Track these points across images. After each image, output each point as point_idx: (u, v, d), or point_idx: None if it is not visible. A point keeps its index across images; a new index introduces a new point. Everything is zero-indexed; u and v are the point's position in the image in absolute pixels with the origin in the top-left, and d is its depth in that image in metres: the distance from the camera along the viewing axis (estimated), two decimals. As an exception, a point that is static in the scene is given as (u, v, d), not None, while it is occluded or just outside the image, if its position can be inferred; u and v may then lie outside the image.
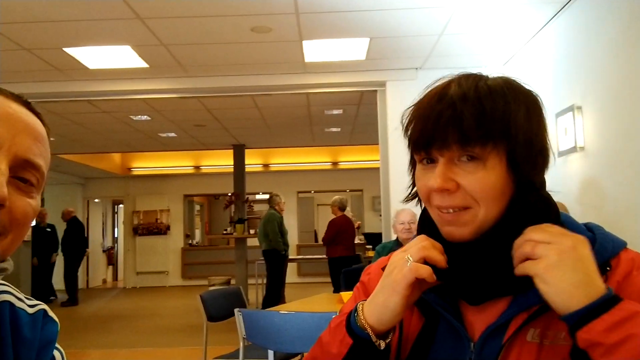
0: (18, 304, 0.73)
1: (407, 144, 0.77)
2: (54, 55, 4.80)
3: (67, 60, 4.94)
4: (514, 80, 0.76)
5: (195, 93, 5.84)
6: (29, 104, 0.69)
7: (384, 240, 5.23)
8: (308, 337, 2.00)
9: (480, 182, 0.70)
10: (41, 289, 9.73)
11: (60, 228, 9.96)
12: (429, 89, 0.77)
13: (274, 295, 7.16)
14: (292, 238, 11.69)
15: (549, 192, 0.77)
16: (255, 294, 8.16)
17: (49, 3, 3.78)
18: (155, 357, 5.55)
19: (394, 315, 0.71)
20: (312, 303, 3.30)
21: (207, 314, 2.92)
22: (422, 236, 0.75)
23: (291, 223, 11.68)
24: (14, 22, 4.06)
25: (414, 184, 0.80)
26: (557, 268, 0.63)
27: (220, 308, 2.93)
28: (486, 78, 0.75)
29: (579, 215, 3.25)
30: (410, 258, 0.70)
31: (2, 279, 0.74)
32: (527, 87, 0.76)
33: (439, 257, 0.71)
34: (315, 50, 4.94)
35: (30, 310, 0.75)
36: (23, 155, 0.63)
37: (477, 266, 0.71)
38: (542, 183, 0.76)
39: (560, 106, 3.74)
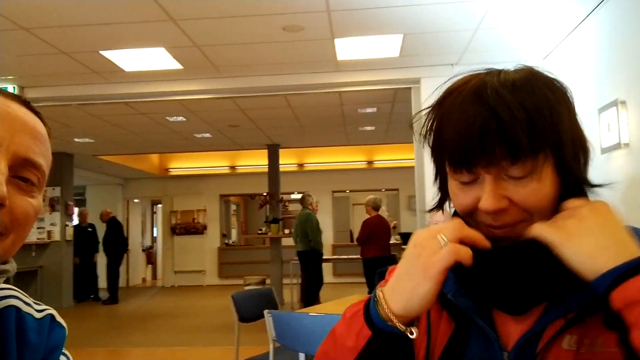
0: (25, 308, 0.73)
1: (435, 152, 0.72)
2: (91, 58, 4.91)
3: (104, 63, 5.05)
4: (545, 75, 0.70)
5: (228, 93, 5.88)
6: (28, 103, 0.68)
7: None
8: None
9: (535, 195, 0.65)
10: (83, 288, 10.05)
11: (101, 228, 10.23)
12: (453, 90, 0.71)
13: (314, 295, 7.16)
14: (328, 238, 11.67)
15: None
16: (290, 293, 8.17)
17: (86, 7, 3.86)
18: (191, 356, 5.61)
19: (424, 303, 0.63)
20: (344, 304, 3.24)
21: (239, 315, 2.92)
22: (455, 218, 0.70)
23: (326, 222, 11.66)
24: (53, 27, 4.17)
25: (443, 194, 0.76)
26: (577, 234, 0.61)
27: (251, 309, 2.92)
28: (517, 76, 0.69)
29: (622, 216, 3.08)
30: (445, 238, 0.63)
31: (6, 283, 0.73)
32: (555, 78, 0.71)
33: (478, 236, 0.65)
34: (347, 48, 4.89)
35: (38, 315, 0.74)
36: (23, 154, 0.63)
37: (519, 273, 0.67)
38: (586, 180, 0.72)
39: (603, 101, 3.58)
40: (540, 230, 0.64)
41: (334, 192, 12.69)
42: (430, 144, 0.72)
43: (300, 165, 12.13)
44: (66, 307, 9.11)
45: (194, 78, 5.65)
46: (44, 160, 0.67)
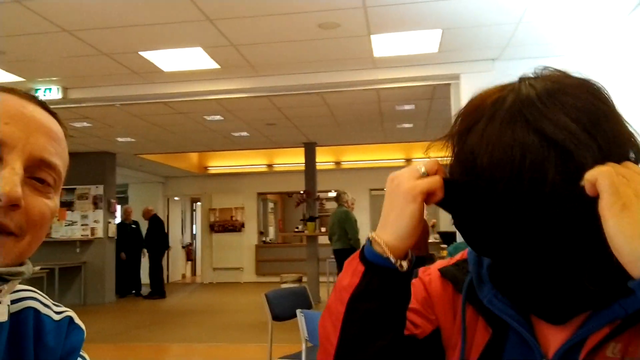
0: (43, 310, 0.72)
1: (466, 174, 0.66)
2: (131, 59, 5.00)
3: (143, 64, 5.14)
4: (596, 86, 0.63)
5: (265, 92, 5.90)
6: (44, 103, 0.68)
7: (458, 239, 5.03)
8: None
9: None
10: (126, 283, 10.32)
11: (143, 225, 10.48)
12: (482, 106, 0.66)
13: None
14: (365, 236, 11.53)
15: None
16: (326, 292, 8.15)
17: (125, 9, 3.93)
18: (226, 353, 5.66)
19: (411, 224, 0.64)
20: None
21: (272, 313, 2.90)
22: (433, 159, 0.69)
23: (363, 221, 11.57)
24: (94, 28, 4.26)
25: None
26: (635, 208, 0.52)
27: (285, 307, 2.90)
28: (567, 90, 0.62)
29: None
30: (423, 168, 0.66)
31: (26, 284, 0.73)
32: (591, 80, 0.65)
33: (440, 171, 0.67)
34: (384, 45, 4.82)
35: (56, 317, 0.73)
36: (38, 154, 0.62)
37: (560, 279, 0.62)
38: None
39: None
40: (598, 174, 0.54)
41: (371, 190, 12.59)
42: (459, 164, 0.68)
43: (337, 163, 12.08)
44: (108, 302, 9.38)
45: (230, 77, 5.69)
46: (60, 161, 0.66)
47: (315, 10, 4.02)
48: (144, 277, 10.69)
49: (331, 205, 12.52)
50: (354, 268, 0.67)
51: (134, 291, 10.53)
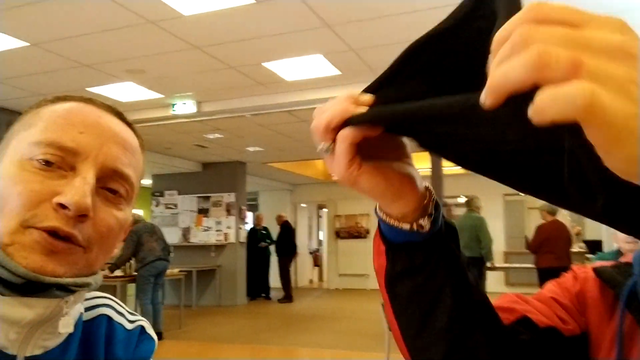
0: (116, 318, 0.72)
1: None
2: (255, 70, 5.20)
3: (267, 74, 5.31)
4: None
5: (388, 96, 5.79)
6: (121, 114, 0.67)
7: (605, 249, 4.50)
8: None
9: None
10: (256, 286, 10.80)
11: (273, 230, 10.92)
12: None
13: None
14: (499, 244, 10.95)
15: None
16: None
17: (248, 22, 4.08)
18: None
19: (344, 165, 0.48)
20: None
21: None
22: None
23: (497, 228, 10.94)
24: (221, 43, 4.49)
25: None
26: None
27: (404, 318, 2.75)
28: None
29: None
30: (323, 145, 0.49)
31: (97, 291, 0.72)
32: None
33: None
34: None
35: (129, 326, 0.72)
36: (111, 164, 0.61)
37: None
38: None
39: None
40: None
41: (505, 195, 11.85)
42: None
43: (467, 167, 11.55)
44: (240, 304, 9.86)
45: (351, 83, 5.67)
46: (133, 172, 0.65)
47: (439, 6, 3.82)
48: (272, 281, 11.10)
49: (459, 212, 12.00)
50: (377, 247, 0.58)
51: (263, 294, 10.97)
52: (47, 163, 0.57)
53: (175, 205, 10.37)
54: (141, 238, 6.46)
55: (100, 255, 0.62)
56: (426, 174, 9.43)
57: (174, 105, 6.28)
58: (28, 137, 0.59)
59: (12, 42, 4.25)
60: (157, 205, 10.53)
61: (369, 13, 3.95)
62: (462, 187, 11.49)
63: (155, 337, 0.76)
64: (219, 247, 10.01)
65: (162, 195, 10.50)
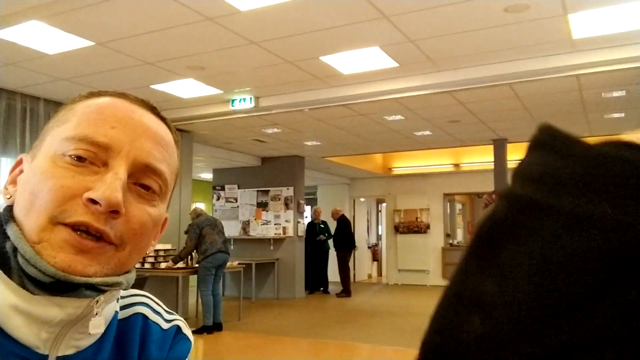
0: (152, 317, 0.70)
1: None
2: (312, 64, 5.17)
3: (324, 68, 5.27)
4: None
5: (447, 87, 5.63)
6: (155, 109, 0.66)
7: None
8: None
9: None
10: (314, 280, 10.85)
11: (331, 224, 10.92)
12: None
13: None
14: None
15: None
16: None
17: (304, 16, 4.04)
18: (408, 357, 5.50)
19: None
20: None
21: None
22: None
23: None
24: (278, 38, 4.48)
25: None
26: None
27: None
28: None
29: None
30: None
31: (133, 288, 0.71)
32: None
33: None
34: (585, 24, 4.20)
35: (165, 326, 0.71)
36: (143, 159, 0.60)
37: None
38: None
39: None
40: None
41: (573, 190, 11.27)
42: None
43: (532, 161, 11.06)
44: (298, 297, 9.94)
45: (409, 75, 5.55)
46: (167, 167, 0.63)
47: (498, -7, 3.66)
48: (331, 275, 11.11)
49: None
50: None
51: (322, 288, 11.00)
52: (79, 159, 0.57)
53: (236, 199, 10.57)
54: (203, 231, 6.62)
55: (134, 254, 0.60)
56: (489, 168, 9.12)
57: (233, 100, 6.37)
58: (61, 132, 0.59)
59: (78, 42, 4.43)
60: (218, 199, 10.78)
61: (427, 2, 3.82)
62: (528, 182, 11.04)
63: (191, 337, 0.74)
64: (278, 241, 10.12)
65: (222, 189, 10.73)
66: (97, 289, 0.55)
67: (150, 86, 5.75)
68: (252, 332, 6.78)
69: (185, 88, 5.87)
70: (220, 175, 10.82)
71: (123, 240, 0.57)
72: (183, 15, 3.97)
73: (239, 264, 7.89)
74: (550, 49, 4.81)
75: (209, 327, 6.53)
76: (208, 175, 11.59)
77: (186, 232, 6.82)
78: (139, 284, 6.80)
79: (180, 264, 6.85)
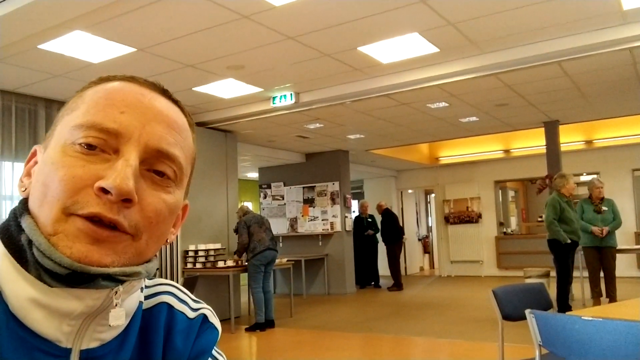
0: (178, 306, 0.68)
1: None
2: (351, 56, 5.11)
3: (362, 59, 5.21)
4: None
5: (492, 70, 5.45)
6: (166, 91, 0.63)
7: None
8: (620, 351, 1.48)
9: None
10: (365, 275, 10.79)
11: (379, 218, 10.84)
12: None
13: (562, 293, 6.18)
14: (629, 224, 9.97)
15: None
16: (581, 289, 7.18)
17: (339, 6, 4.00)
18: (462, 349, 5.38)
19: None
20: (631, 306, 2.54)
21: (502, 312, 2.56)
22: None
23: (626, 206, 9.97)
24: (314, 31, 4.45)
25: None
26: None
27: (518, 306, 2.53)
28: None
29: None
30: None
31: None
32: None
33: None
34: (635, -9, 3.97)
35: (191, 315, 0.69)
36: (155, 144, 0.57)
37: None
38: None
39: None
40: None
41: (634, 170, 10.73)
42: None
43: (588, 142, 10.61)
44: (349, 293, 9.91)
45: (451, 59, 5.41)
46: (181, 152, 0.60)
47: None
48: (381, 269, 11.02)
49: (583, 191, 11.11)
50: None
51: (372, 283, 10.93)
52: (90, 147, 0.55)
53: (282, 197, 10.65)
54: (250, 229, 6.70)
55: (151, 243, 0.58)
56: (541, 152, 8.80)
57: (273, 98, 6.40)
58: (70, 120, 0.57)
59: (120, 49, 4.55)
60: (264, 197, 10.89)
61: (466, -18, 3.70)
62: (584, 164, 10.62)
63: (219, 326, 0.72)
64: (326, 237, 10.12)
65: (269, 187, 10.83)
66: (116, 280, 0.54)
67: (193, 88, 5.86)
68: (304, 328, 6.80)
69: (226, 88, 5.94)
70: (265, 174, 10.93)
71: (139, 229, 0.55)
72: (219, 15, 4.00)
73: (287, 260, 7.94)
74: (599, 22, 4.58)
75: (262, 324, 6.60)
76: (254, 175, 11.73)
77: (235, 231, 6.92)
78: (191, 283, 6.98)
79: (230, 262, 6.97)
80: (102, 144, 0.55)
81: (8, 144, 5.45)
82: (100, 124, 0.55)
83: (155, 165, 0.57)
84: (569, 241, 6.13)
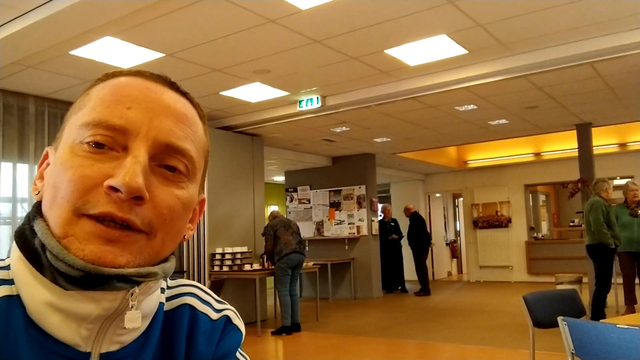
0: (201, 307, 0.67)
1: None
2: (377, 59, 5.09)
3: (389, 62, 5.18)
4: None
5: (521, 72, 5.36)
6: (173, 84, 0.61)
7: None
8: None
9: None
10: (391, 279, 10.70)
11: (402, 222, 10.74)
12: None
13: (599, 300, 6.00)
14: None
15: None
16: (614, 295, 6.96)
17: (365, 9, 3.98)
18: (490, 357, 5.27)
19: None
20: None
21: (533, 319, 2.50)
22: None
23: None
24: (340, 34, 4.44)
25: None
26: None
27: (549, 313, 2.46)
28: None
29: None
30: None
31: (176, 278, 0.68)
32: None
33: None
34: (672, -12, 3.84)
35: (214, 316, 0.67)
36: (163, 139, 0.56)
37: None
38: None
39: None
40: None
41: (670, 174, 10.40)
42: None
43: (622, 145, 10.33)
44: (376, 297, 9.83)
45: (480, 61, 5.34)
46: (191, 145, 0.58)
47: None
48: (408, 274, 10.90)
49: (617, 195, 10.81)
50: None
51: (399, 287, 10.83)
52: (98, 145, 0.54)
53: (308, 200, 10.65)
54: (277, 232, 6.72)
55: (167, 241, 0.56)
56: (573, 155, 8.59)
57: (300, 101, 6.41)
58: (78, 119, 0.56)
59: (149, 55, 4.62)
60: (291, 201, 10.91)
61: (495, -18, 3.64)
62: (617, 167, 10.32)
63: (242, 328, 0.70)
64: (352, 240, 10.08)
65: (295, 190, 10.85)
66: (131, 281, 0.52)
67: (220, 93, 5.91)
68: (331, 332, 6.77)
69: (253, 92, 5.98)
70: (292, 177, 10.95)
71: (152, 227, 0.54)
72: (246, 19, 4.03)
73: (314, 264, 7.93)
74: (633, 22, 4.46)
75: (288, 328, 6.59)
76: (280, 178, 11.77)
77: (263, 235, 6.99)
78: (217, 286, 7.03)
79: (256, 266, 7.00)
80: (110, 142, 0.54)
81: (41, 148, 5.59)
82: (106, 121, 0.54)
83: (166, 161, 0.56)
84: (613, 246, 6.05)
